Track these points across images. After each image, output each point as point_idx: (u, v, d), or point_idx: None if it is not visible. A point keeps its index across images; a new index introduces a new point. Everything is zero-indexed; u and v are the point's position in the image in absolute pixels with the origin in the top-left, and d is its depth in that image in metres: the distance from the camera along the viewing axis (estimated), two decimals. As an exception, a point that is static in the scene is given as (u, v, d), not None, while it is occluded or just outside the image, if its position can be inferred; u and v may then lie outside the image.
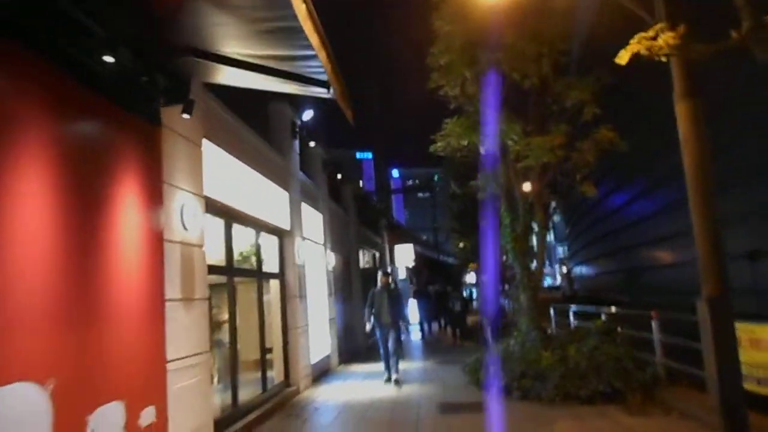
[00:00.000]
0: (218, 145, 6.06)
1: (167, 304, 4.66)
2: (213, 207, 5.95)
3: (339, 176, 12.58)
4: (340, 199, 14.55)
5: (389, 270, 11.12)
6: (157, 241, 4.62)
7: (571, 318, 10.89)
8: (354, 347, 14.00)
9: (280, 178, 8.52)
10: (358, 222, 15.96)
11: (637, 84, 14.26)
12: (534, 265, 9.93)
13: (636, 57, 4.36)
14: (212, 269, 6.04)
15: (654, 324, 7.54)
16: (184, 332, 4.90)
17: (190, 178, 5.19)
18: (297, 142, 9.45)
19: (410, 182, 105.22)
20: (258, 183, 7.53)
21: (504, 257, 25.50)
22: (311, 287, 10.07)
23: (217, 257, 6.49)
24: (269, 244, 8.42)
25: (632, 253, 29.78)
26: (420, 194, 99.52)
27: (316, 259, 10.80)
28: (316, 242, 10.72)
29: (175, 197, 4.91)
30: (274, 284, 8.57)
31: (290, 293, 8.67)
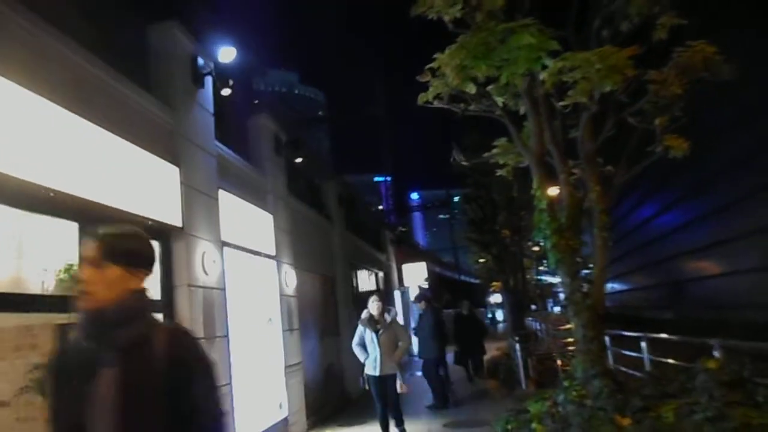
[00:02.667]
0: None
1: None
2: None
3: (299, 160, 8.83)
4: (318, 200, 10.94)
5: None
6: None
7: (645, 352, 6.91)
8: (340, 399, 10.19)
9: (155, 141, 4.93)
10: (346, 232, 12.28)
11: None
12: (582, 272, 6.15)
13: None
14: None
15: None
16: None
17: None
18: (204, 92, 5.88)
19: (429, 205, 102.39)
20: (78, 134, 3.95)
21: (533, 267, 21.35)
22: (245, 320, 6.41)
23: None
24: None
25: (674, 264, 25.64)
26: (440, 216, 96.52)
27: (259, 278, 7.15)
28: (258, 254, 7.07)
29: None
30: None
31: (184, 334, 5.00)
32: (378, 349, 6.12)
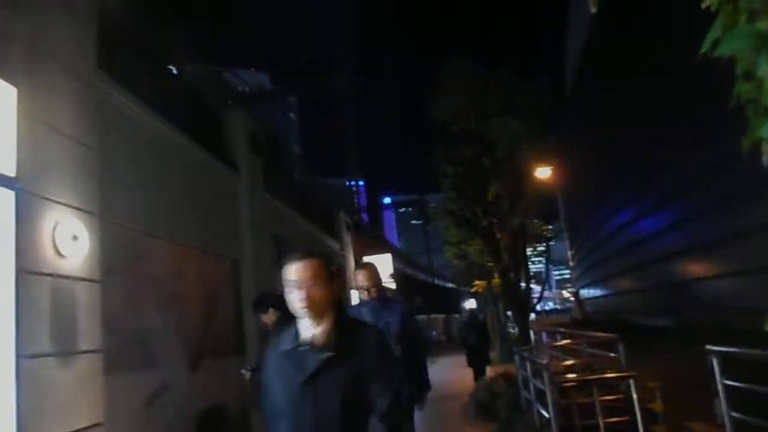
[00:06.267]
0: None
1: None
2: None
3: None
4: (211, 132, 6.57)
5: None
6: None
7: None
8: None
9: None
10: (267, 196, 7.90)
11: None
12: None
13: None
14: None
15: None
16: None
17: None
18: None
19: (402, 210, 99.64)
20: None
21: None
22: None
23: None
24: None
25: (670, 264, 21.91)
26: (413, 221, 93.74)
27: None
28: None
29: None
30: None
31: None
32: None
